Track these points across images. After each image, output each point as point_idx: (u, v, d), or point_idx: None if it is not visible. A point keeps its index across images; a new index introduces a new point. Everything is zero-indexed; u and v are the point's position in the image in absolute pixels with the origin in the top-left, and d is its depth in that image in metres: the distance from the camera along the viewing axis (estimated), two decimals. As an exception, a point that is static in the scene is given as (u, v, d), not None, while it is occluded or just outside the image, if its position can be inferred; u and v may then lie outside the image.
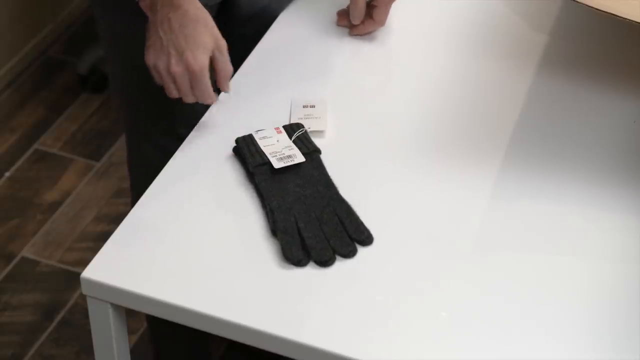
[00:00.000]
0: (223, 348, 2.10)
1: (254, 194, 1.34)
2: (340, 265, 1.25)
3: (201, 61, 1.34)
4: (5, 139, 2.64)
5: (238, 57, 1.47)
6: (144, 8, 1.37)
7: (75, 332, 2.19)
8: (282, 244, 1.26)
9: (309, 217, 1.29)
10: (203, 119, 1.42)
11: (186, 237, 1.28)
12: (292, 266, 1.25)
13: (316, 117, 1.45)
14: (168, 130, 1.61)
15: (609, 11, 1.29)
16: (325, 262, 1.25)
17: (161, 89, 1.52)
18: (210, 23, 1.36)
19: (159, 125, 1.62)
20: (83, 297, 1.30)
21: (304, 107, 1.46)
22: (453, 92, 1.51)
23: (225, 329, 1.20)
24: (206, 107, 1.44)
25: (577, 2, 1.31)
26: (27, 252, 2.36)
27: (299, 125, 1.41)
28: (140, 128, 1.66)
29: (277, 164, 1.35)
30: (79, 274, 1.24)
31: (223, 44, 1.37)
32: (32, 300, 2.26)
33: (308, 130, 1.41)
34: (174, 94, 1.38)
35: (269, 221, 1.30)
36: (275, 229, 1.28)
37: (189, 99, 1.37)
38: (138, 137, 1.68)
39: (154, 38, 1.35)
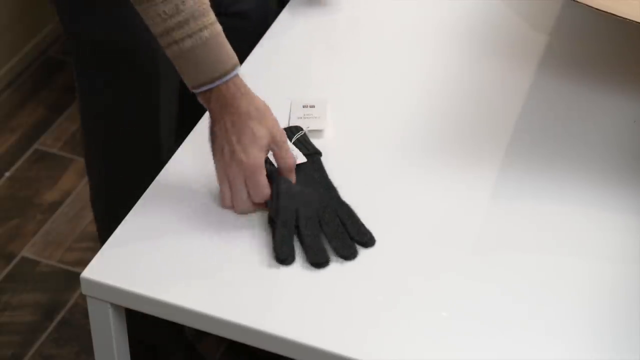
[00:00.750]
0: (223, 348, 2.10)
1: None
2: (341, 265, 1.25)
3: (254, 157, 1.29)
4: (5, 139, 2.64)
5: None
6: (202, 101, 1.32)
7: (75, 332, 2.19)
8: (277, 237, 1.26)
9: (310, 216, 1.29)
10: (202, 120, 1.42)
11: (186, 237, 1.28)
12: (291, 266, 1.24)
13: (316, 117, 1.45)
14: (148, 139, 1.61)
15: (609, 11, 1.29)
16: (320, 264, 1.25)
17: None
18: (266, 115, 1.31)
19: (137, 137, 1.61)
20: (83, 297, 1.30)
21: (303, 107, 1.46)
22: (454, 91, 1.51)
23: (225, 329, 1.20)
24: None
25: (578, 2, 1.31)
26: (27, 252, 2.36)
27: (297, 128, 1.41)
28: (112, 143, 1.64)
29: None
30: (79, 274, 1.24)
31: (280, 135, 1.31)
32: (32, 300, 2.26)
33: (307, 129, 1.41)
34: (227, 201, 1.31)
35: (272, 206, 1.29)
36: (276, 216, 1.28)
37: (244, 204, 1.31)
38: (109, 155, 1.67)
39: (216, 143, 1.31)
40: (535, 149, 1.42)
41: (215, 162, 1.32)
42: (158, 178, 1.36)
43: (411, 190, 1.35)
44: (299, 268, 1.24)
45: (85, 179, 2.52)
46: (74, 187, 2.51)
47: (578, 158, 1.40)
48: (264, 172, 1.30)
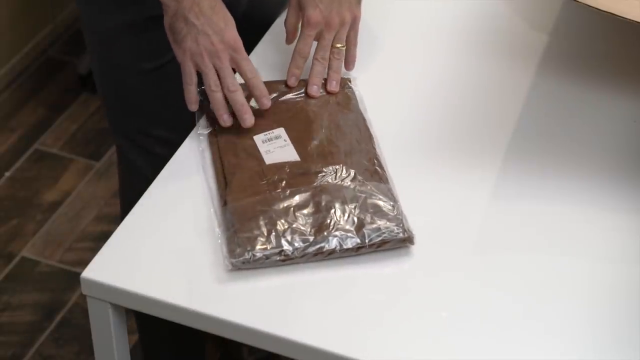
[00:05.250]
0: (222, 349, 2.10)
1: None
2: (339, 265, 1.25)
3: (237, 35, 1.37)
4: (5, 139, 2.64)
5: None
6: None
7: (75, 332, 2.19)
8: None
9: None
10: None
11: (186, 237, 1.28)
12: (291, 267, 1.24)
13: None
14: (144, 130, 1.63)
15: (609, 11, 1.28)
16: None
17: (138, 88, 1.55)
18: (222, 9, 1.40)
19: (135, 124, 1.64)
20: (83, 297, 1.30)
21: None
22: (453, 92, 1.51)
23: (225, 329, 1.20)
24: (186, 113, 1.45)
25: (578, 2, 1.31)
26: (27, 252, 2.36)
27: None
28: (118, 124, 1.68)
29: None
30: (79, 274, 1.24)
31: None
32: (32, 300, 2.26)
33: None
34: (212, 83, 1.37)
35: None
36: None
37: (230, 80, 1.37)
38: (117, 135, 1.70)
39: (186, 28, 1.36)
40: (535, 149, 1.42)
41: (191, 51, 1.36)
42: (158, 178, 1.36)
43: (411, 190, 1.34)
44: (299, 269, 1.24)
45: (86, 179, 2.52)
46: (74, 187, 2.51)
47: (578, 158, 1.40)
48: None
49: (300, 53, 1.44)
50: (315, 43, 1.46)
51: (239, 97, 1.37)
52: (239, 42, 1.37)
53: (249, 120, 1.37)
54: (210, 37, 1.35)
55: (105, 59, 1.61)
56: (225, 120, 1.37)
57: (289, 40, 1.49)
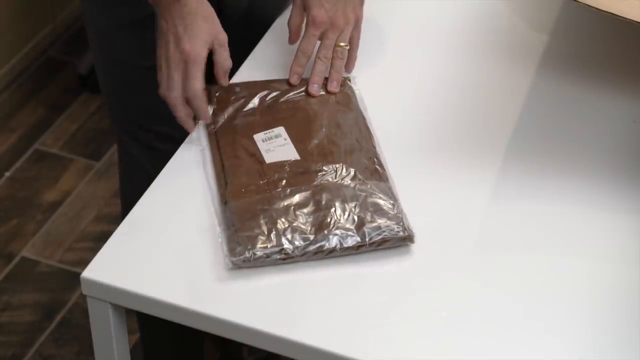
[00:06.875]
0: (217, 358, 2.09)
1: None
2: (340, 264, 1.25)
3: (197, 48, 1.35)
4: (5, 139, 2.64)
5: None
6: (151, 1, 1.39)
7: (75, 332, 2.19)
8: None
9: None
10: (202, 120, 1.42)
11: (186, 237, 1.28)
12: (291, 266, 1.24)
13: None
14: (146, 125, 1.64)
15: (609, 11, 1.28)
16: None
17: (139, 85, 1.56)
18: (211, 16, 1.37)
19: (137, 120, 1.65)
20: (83, 297, 1.30)
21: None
22: (453, 92, 1.51)
23: (225, 329, 1.20)
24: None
25: (578, 2, 1.31)
26: (27, 252, 2.36)
27: None
28: (120, 120, 1.70)
29: None
30: (79, 274, 1.24)
31: (223, 37, 1.38)
32: (32, 300, 2.26)
33: None
34: (163, 88, 1.37)
35: None
36: None
37: (176, 92, 1.36)
38: (120, 131, 1.71)
39: (159, 31, 1.38)
40: (535, 149, 1.42)
41: (158, 52, 1.37)
42: (158, 177, 1.36)
43: (411, 190, 1.34)
44: (300, 268, 1.24)
45: (86, 179, 2.52)
46: (74, 187, 2.51)
47: (578, 158, 1.40)
48: (202, 67, 1.35)
49: (304, 52, 1.45)
50: (317, 43, 1.46)
51: (198, 102, 1.37)
52: (193, 51, 1.34)
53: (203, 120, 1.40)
54: (168, 43, 1.36)
55: (107, 56, 1.61)
56: (187, 123, 1.38)
57: (291, 40, 1.49)
